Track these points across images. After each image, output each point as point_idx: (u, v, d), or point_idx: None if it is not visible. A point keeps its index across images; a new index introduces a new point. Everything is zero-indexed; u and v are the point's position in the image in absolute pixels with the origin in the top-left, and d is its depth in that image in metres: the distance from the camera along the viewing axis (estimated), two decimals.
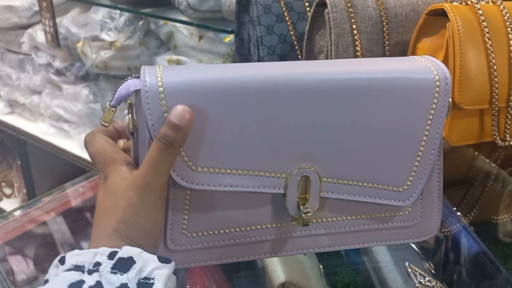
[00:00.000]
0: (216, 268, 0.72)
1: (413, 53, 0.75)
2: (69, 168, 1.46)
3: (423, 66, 0.43)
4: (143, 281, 0.33)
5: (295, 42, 0.82)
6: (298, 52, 0.83)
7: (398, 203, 0.44)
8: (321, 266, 0.75)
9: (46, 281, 0.34)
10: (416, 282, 0.65)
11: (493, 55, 0.66)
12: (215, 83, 0.38)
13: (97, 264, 0.33)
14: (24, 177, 1.68)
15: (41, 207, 0.72)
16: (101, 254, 0.34)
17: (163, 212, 0.38)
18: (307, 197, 0.42)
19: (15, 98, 1.59)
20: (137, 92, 0.39)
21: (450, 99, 0.43)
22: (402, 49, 0.76)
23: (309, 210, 0.41)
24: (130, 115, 0.39)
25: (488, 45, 0.66)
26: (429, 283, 0.66)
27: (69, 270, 0.33)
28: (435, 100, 0.42)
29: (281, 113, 0.40)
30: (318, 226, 0.44)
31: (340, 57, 0.73)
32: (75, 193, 0.75)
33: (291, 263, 0.68)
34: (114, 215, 0.36)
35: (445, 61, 0.69)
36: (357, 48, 0.73)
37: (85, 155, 1.40)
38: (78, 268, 0.33)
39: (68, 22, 1.26)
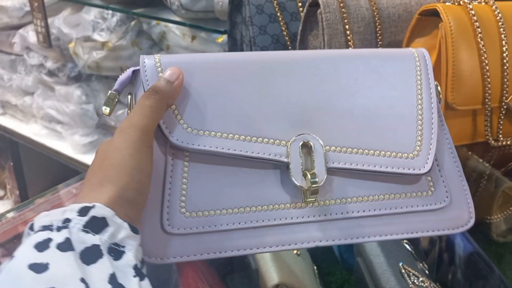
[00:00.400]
0: (209, 270, 0.71)
1: None
2: (62, 170, 1.45)
3: (405, 50, 0.47)
4: (113, 246, 0.32)
5: (288, 43, 0.82)
6: None
7: (414, 171, 0.41)
8: (315, 267, 0.75)
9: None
10: (410, 282, 0.65)
11: (485, 55, 0.66)
12: (211, 58, 0.41)
13: (67, 220, 0.31)
14: (16, 179, 1.67)
15: (34, 208, 0.71)
16: (70, 210, 0.32)
17: (149, 156, 0.36)
18: (313, 166, 0.40)
19: (7, 99, 1.59)
20: (137, 73, 0.41)
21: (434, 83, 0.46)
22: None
23: (316, 179, 0.39)
24: (130, 103, 0.42)
25: (480, 45, 0.66)
26: (422, 284, 0.66)
27: (37, 232, 0.31)
28: (418, 64, 0.45)
29: (277, 80, 0.41)
30: (333, 209, 0.41)
31: None
32: (68, 194, 0.75)
33: (285, 264, 0.68)
34: (101, 163, 0.35)
35: (438, 61, 0.69)
36: (350, 48, 0.73)
37: (78, 156, 1.39)
38: (46, 227, 0.31)
39: (60, 23, 1.25)
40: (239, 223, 0.39)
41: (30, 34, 1.36)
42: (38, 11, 1.22)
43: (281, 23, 0.81)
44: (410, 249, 0.70)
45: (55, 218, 0.31)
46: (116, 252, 0.31)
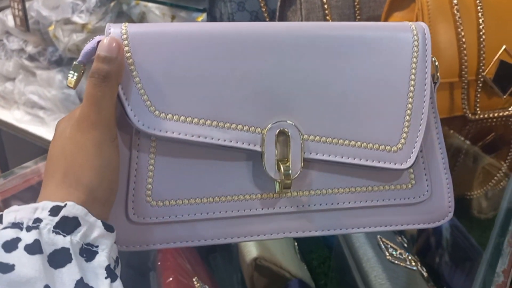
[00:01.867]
0: (192, 251, 0.71)
1: None
2: (45, 155, 1.43)
3: (403, 23, 0.41)
4: (86, 247, 0.31)
5: (267, 19, 0.82)
6: None
7: (394, 166, 0.39)
8: (296, 243, 0.76)
9: None
10: (387, 254, 0.65)
11: (462, 28, 0.66)
12: (182, 30, 0.37)
13: (37, 220, 0.30)
14: (0, 167, 1.65)
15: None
16: (42, 209, 0.31)
17: (115, 151, 0.35)
18: (289, 157, 0.37)
19: None
20: None
21: (431, 58, 0.41)
22: None
23: (290, 170, 0.36)
24: None
25: (457, 17, 0.66)
26: (400, 256, 0.66)
27: (5, 228, 0.30)
28: (415, 49, 0.40)
29: (253, 59, 0.37)
30: (306, 201, 0.39)
31: None
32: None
33: None
34: (62, 159, 0.33)
35: None
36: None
37: None
38: (16, 225, 0.30)
39: (39, 5, 1.23)
40: (207, 213, 0.38)
41: (9, 18, 1.34)
42: None
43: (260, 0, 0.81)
44: None
45: (26, 215, 0.30)
46: (88, 252, 0.31)
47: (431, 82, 0.40)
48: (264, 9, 0.81)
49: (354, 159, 0.38)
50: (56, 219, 0.30)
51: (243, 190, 0.38)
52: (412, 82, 0.39)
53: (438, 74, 0.41)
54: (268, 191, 0.38)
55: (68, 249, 0.30)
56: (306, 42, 0.38)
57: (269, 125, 0.37)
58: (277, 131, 0.37)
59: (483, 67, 0.69)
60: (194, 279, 0.62)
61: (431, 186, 0.40)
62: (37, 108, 1.45)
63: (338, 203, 0.39)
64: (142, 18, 1.09)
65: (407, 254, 0.67)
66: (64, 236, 0.30)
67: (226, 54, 0.37)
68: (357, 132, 0.38)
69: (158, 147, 0.37)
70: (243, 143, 0.37)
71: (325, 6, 0.71)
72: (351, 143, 0.38)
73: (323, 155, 0.38)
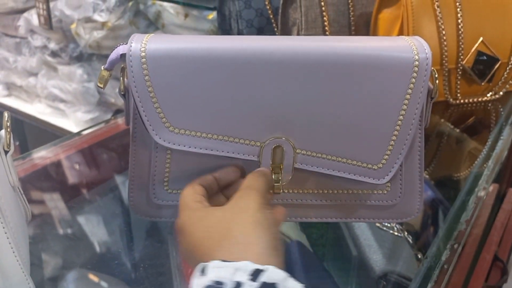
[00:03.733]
0: None
1: (375, 23, 0.84)
2: (57, 140, 1.51)
3: (405, 45, 0.42)
4: None
5: (271, 16, 0.90)
6: (274, 25, 0.91)
7: (372, 181, 0.43)
8: None
9: None
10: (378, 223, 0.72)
11: (442, 21, 0.75)
12: (195, 51, 0.40)
13: (238, 285, 0.30)
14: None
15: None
16: (243, 271, 0.30)
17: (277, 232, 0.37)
18: (281, 167, 0.43)
19: (12, 81, 1.65)
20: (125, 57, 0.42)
21: (431, 84, 0.42)
22: (366, 20, 0.85)
23: (280, 179, 0.43)
24: (121, 78, 0.42)
25: (437, 12, 0.75)
26: (388, 224, 0.74)
27: (209, 286, 0.30)
28: (413, 80, 0.41)
29: (257, 83, 0.41)
30: (292, 197, 0.45)
31: (310, 27, 0.81)
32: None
33: None
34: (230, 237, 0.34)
35: (401, 28, 0.78)
36: (324, 18, 0.81)
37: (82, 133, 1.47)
38: (219, 284, 0.30)
39: (62, 5, 1.32)
40: None
41: (34, 17, 1.42)
42: None
43: None
44: None
45: (227, 276, 0.30)
46: None
47: (424, 103, 0.42)
48: (268, 7, 0.89)
49: (338, 172, 0.43)
50: (256, 284, 0.30)
51: None
52: (405, 106, 0.41)
53: (437, 89, 0.43)
54: None
55: None
56: (309, 68, 0.41)
57: (267, 141, 0.42)
58: (273, 146, 0.42)
59: (462, 57, 0.77)
60: None
61: (404, 192, 0.45)
62: (58, 101, 1.53)
63: (320, 201, 0.45)
64: (157, 17, 1.18)
65: (394, 224, 0.74)
66: None
67: (233, 77, 0.41)
68: (344, 150, 0.43)
69: (173, 155, 0.44)
70: (243, 155, 0.42)
71: (322, 3, 0.80)
72: (337, 159, 0.43)
73: (312, 166, 0.43)
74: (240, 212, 0.36)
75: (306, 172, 0.44)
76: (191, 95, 0.41)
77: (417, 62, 0.41)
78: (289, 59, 0.41)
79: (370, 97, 0.41)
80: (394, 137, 0.42)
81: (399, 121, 0.42)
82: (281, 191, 0.43)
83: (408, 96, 0.41)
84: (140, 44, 0.41)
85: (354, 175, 0.43)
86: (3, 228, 0.33)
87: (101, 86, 0.43)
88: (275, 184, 0.42)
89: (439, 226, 0.76)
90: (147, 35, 0.42)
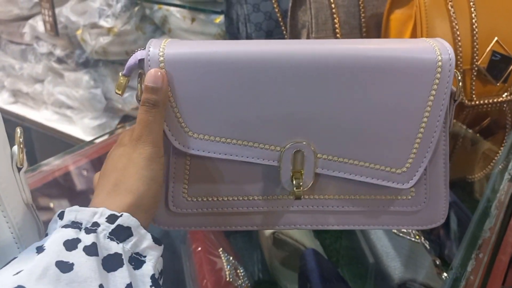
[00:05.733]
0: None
1: (387, 24, 0.82)
2: (68, 150, 1.51)
3: (427, 46, 0.41)
4: (135, 256, 0.33)
5: (280, 19, 0.89)
6: (282, 28, 0.90)
7: (397, 185, 0.42)
8: None
9: (46, 235, 0.34)
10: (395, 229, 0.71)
11: (456, 22, 0.73)
12: (213, 56, 0.40)
13: (95, 224, 0.33)
14: (30, 165, 1.74)
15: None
16: (100, 214, 0.33)
17: (160, 167, 0.39)
18: (302, 172, 0.42)
19: (18, 88, 1.65)
20: (143, 62, 0.42)
21: (454, 85, 0.41)
22: (377, 21, 0.83)
23: (301, 184, 0.42)
24: (139, 84, 0.42)
25: (451, 12, 0.73)
26: (405, 230, 0.73)
27: (66, 226, 0.33)
28: (436, 81, 0.40)
29: (276, 87, 0.40)
30: (313, 203, 0.44)
31: (320, 29, 0.80)
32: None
33: None
34: (114, 172, 0.37)
35: (414, 29, 0.76)
36: (335, 20, 0.80)
37: (88, 139, 1.47)
38: (75, 224, 0.33)
39: (68, 11, 1.32)
40: (232, 208, 0.44)
41: (39, 24, 1.42)
42: (46, 1, 1.29)
43: (273, 1, 0.88)
44: None
45: (85, 217, 0.33)
46: (136, 261, 0.33)
47: (447, 105, 0.41)
48: (277, 10, 0.88)
49: (361, 176, 0.42)
50: (112, 226, 0.33)
51: (262, 192, 0.44)
52: (429, 108, 0.41)
53: (462, 95, 0.42)
54: (282, 193, 0.44)
55: (121, 255, 0.32)
56: (328, 71, 0.40)
57: (288, 145, 0.41)
58: (294, 151, 0.42)
59: (476, 57, 0.75)
60: (219, 250, 0.69)
61: (429, 198, 0.43)
62: (65, 107, 1.53)
63: (342, 207, 0.44)
64: (164, 21, 1.17)
65: (411, 230, 0.73)
66: (118, 243, 0.33)
67: (252, 81, 0.40)
68: (367, 154, 0.41)
69: (192, 160, 0.43)
70: (263, 160, 0.42)
71: (332, 5, 0.79)
72: (360, 163, 0.42)
73: (333, 171, 0.42)
74: (127, 163, 0.37)
75: (327, 177, 0.43)
76: (210, 100, 0.40)
77: (440, 63, 0.40)
78: (308, 62, 0.40)
79: (392, 99, 0.40)
80: (418, 140, 0.41)
81: (423, 124, 0.41)
82: (302, 197, 0.42)
83: (431, 98, 0.40)
84: (159, 49, 0.40)
85: (378, 179, 0.42)
86: (18, 248, 0.32)
87: (120, 93, 0.42)
88: (296, 190, 0.41)
89: (454, 229, 0.75)
90: (165, 40, 0.42)
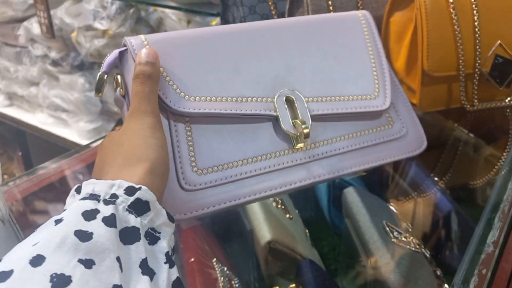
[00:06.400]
0: (208, 234, 0.77)
1: (387, 26, 0.80)
2: (64, 154, 1.50)
3: (350, 12, 0.56)
4: (150, 231, 0.33)
5: None
6: None
7: (378, 108, 0.50)
8: (307, 231, 0.80)
9: (64, 210, 0.33)
10: (392, 237, 0.69)
11: (458, 24, 0.71)
12: (193, 33, 0.45)
13: (114, 196, 0.32)
14: (25, 168, 1.73)
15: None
16: (118, 186, 0.33)
17: (164, 134, 0.39)
18: (299, 117, 0.46)
19: (13, 91, 1.64)
20: (123, 54, 0.44)
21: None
22: (376, 24, 0.81)
23: (305, 122, 0.45)
24: (119, 82, 0.43)
25: (453, 15, 0.71)
26: (404, 239, 0.71)
27: (84, 198, 0.32)
28: (364, 24, 0.54)
29: (251, 49, 0.47)
30: (317, 151, 0.48)
31: None
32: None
33: (278, 224, 0.73)
34: (120, 147, 0.36)
35: (414, 32, 0.74)
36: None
37: (84, 142, 1.45)
38: (94, 196, 0.32)
39: (62, 13, 1.30)
40: (246, 173, 0.45)
41: (34, 26, 1.41)
42: (41, 3, 1.27)
43: (270, 3, 0.86)
44: (395, 210, 0.75)
45: (103, 189, 0.33)
46: (152, 236, 0.33)
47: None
48: (274, 12, 0.86)
49: (347, 109, 0.49)
50: (131, 199, 0.32)
51: (267, 150, 0.46)
52: (370, 49, 0.53)
53: None
54: (287, 147, 0.47)
55: (138, 229, 0.32)
56: (290, 32, 0.50)
57: (277, 94, 0.46)
58: (284, 97, 0.47)
59: (479, 61, 0.73)
60: (213, 260, 0.67)
61: (406, 125, 0.53)
62: (60, 110, 1.52)
63: (339, 149, 0.49)
64: (159, 24, 1.15)
65: (411, 238, 0.71)
66: (136, 216, 0.32)
67: (231, 45, 0.46)
68: (343, 89, 0.50)
69: (193, 126, 0.44)
70: (261, 111, 0.45)
71: (330, 7, 0.77)
72: (341, 98, 0.49)
73: (324, 110, 0.48)
74: (132, 135, 0.37)
75: (322, 123, 0.48)
76: (198, 68, 0.44)
77: (360, 14, 0.55)
78: (271, 28, 0.49)
79: (342, 43, 0.52)
80: (374, 69, 0.52)
81: (371, 56, 0.52)
82: (306, 147, 0.47)
83: (367, 36, 0.54)
84: (140, 39, 0.44)
85: (361, 108, 0.49)
86: None
87: (100, 95, 0.43)
88: (305, 131, 0.45)
89: (455, 238, 0.73)
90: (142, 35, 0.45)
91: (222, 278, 0.65)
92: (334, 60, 0.51)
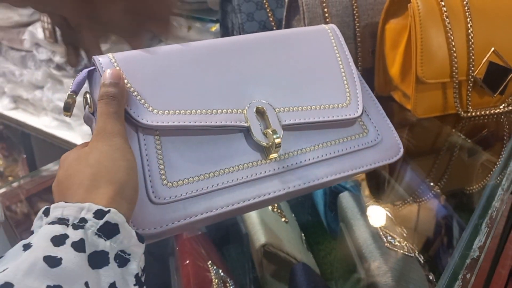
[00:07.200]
0: (205, 238, 0.78)
1: (382, 33, 0.81)
2: None
3: (318, 27, 0.56)
4: (120, 253, 0.33)
5: (274, 28, 0.88)
6: None
7: (350, 116, 0.50)
8: (302, 235, 0.81)
9: (32, 233, 0.33)
10: (386, 241, 0.70)
11: (451, 32, 0.72)
12: (162, 50, 0.46)
13: (83, 220, 0.32)
14: (30, 170, 1.75)
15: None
16: (87, 209, 0.33)
17: (133, 156, 0.39)
18: (271, 127, 0.45)
19: (18, 94, 1.66)
20: (92, 73, 0.44)
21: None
22: (371, 31, 0.82)
23: (277, 132, 0.45)
24: (88, 100, 0.43)
25: (446, 23, 0.72)
26: (398, 243, 0.71)
27: (52, 223, 0.32)
28: (332, 37, 0.54)
29: (219, 62, 0.47)
30: (291, 161, 0.47)
31: None
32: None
33: (273, 228, 0.73)
34: (87, 168, 0.36)
35: (409, 39, 0.75)
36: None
37: None
38: (62, 221, 0.32)
39: None
40: (218, 185, 0.44)
41: (39, 31, 1.43)
42: None
43: (267, 10, 0.87)
44: (390, 215, 0.76)
45: (71, 213, 0.32)
46: (121, 259, 0.32)
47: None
48: (271, 19, 0.87)
49: (319, 118, 0.48)
50: (100, 222, 0.32)
51: (239, 161, 0.45)
52: (339, 59, 0.53)
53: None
54: (260, 158, 0.46)
55: (107, 253, 0.32)
56: (257, 45, 0.50)
57: (247, 106, 0.46)
58: (254, 108, 0.46)
59: (473, 68, 0.74)
60: (208, 263, 0.68)
61: (381, 131, 0.53)
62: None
63: (313, 158, 0.48)
64: None
65: (405, 242, 0.72)
66: (105, 240, 0.32)
67: (198, 61, 0.46)
68: (314, 99, 0.49)
69: (162, 139, 0.43)
70: (231, 122, 0.45)
71: (326, 15, 0.78)
72: (312, 107, 0.49)
73: (295, 120, 0.47)
74: (100, 157, 0.37)
75: (294, 133, 0.48)
76: (166, 83, 0.44)
77: (327, 27, 0.55)
78: (240, 42, 0.49)
79: (311, 54, 0.52)
80: (344, 77, 0.52)
81: (341, 65, 0.52)
82: (279, 156, 0.46)
83: (335, 47, 0.54)
84: (108, 57, 0.44)
85: (333, 117, 0.49)
86: None
87: (68, 114, 0.43)
88: (276, 142, 0.44)
89: (449, 243, 0.74)
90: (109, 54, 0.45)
91: (216, 281, 0.66)
92: (303, 71, 0.51)
